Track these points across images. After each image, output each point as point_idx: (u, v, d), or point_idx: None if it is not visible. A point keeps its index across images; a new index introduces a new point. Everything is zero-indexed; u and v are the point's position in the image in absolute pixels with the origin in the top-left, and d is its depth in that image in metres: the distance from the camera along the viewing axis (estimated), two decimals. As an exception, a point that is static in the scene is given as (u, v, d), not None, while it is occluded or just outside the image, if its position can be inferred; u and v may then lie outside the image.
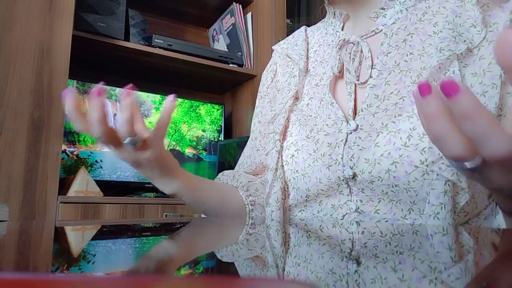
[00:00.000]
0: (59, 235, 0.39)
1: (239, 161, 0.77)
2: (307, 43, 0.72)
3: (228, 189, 0.68)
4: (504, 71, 0.28)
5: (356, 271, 0.16)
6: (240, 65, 1.85)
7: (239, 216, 0.66)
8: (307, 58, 0.70)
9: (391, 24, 0.59)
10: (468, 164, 0.30)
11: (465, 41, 0.50)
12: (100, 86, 0.47)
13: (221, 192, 0.67)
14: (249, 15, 1.93)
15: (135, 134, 0.49)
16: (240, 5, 1.89)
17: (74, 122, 0.48)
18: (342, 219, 0.56)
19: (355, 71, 0.60)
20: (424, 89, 0.29)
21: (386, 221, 0.52)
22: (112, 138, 0.49)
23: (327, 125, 0.60)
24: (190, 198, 0.61)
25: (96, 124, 0.47)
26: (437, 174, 0.46)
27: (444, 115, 0.29)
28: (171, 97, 0.50)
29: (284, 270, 0.17)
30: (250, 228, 0.51)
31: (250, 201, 0.67)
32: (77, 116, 0.48)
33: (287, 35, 0.78)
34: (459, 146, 0.30)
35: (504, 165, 0.30)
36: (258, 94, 0.77)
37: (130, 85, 0.48)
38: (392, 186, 0.50)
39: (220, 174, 0.74)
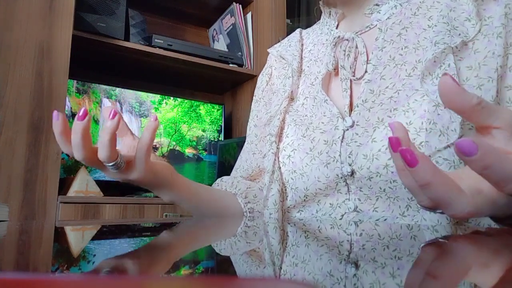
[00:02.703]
0: (59, 235, 0.39)
1: (236, 165, 0.77)
2: (302, 44, 0.72)
3: (226, 196, 0.68)
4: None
5: (354, 274, 0.16)
6: (240, 65, 1.85)
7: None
8: (301, 58, 0.70)
9: (386, 19, 0.60)
10: (437, 212, 0.33)
11: (460, 34, 0.51)
12: (84, 108, 0.47)
13: (219, 199, 0.67)
14: (249, 15, 1.93)
15: (116, 157, 0.48)
16: (240, 5, 1.89)
17: (60, 145, 0.48)
18: (341, 219, 0.56)
19: (350, 67, 0.60)
20: (393, 144, 0.31)
21: (385, 219, 0.52)
22: (95, 161, 0.49)
23: (322, 122, 0.60)
24: (188, 205, 0.61)
25: (77, 148, 0.47)
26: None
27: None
28: (153, 117, 0.49)
29: (281, 269, 0.18)
30: (248, 220, 0.51)
31: (248, 208, 0.67)
32: (63, 139, 0.48)
33: (287, 35, 0.78)
34: (425, 201, 0.32)
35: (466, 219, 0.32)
36: (253, 97, 0.77)
37: (113, 107, 0.48)
38: (390, 182, 0.50)
39: (219, 179, 0.74)
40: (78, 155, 0.48)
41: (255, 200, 0.68)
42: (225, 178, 0.73)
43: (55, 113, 0.47)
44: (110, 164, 0.48)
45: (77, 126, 0.46)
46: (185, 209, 0.62)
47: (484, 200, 0.30)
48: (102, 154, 0.47)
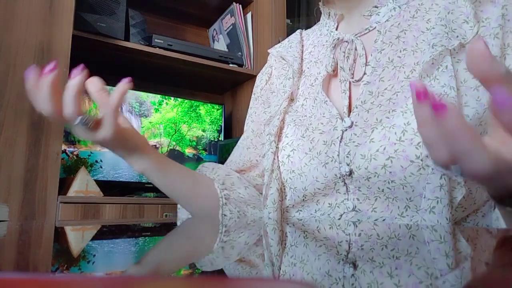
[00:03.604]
0: (59, 235, 0.39)
1: (228, 159, 0.76)
2: (302, 45, 0.72)
3: (202, 179, 0.67)
4: (478, 80, 0.30)
5: (352, 275, 0.16)
6: (240, 65, 1.85)
7: (209, 208, 0.66)
8: (302, 59, 0.70)
9: (385, 21, 0.60)
10: (450, 171, 0.32)
11: (457, 36, 0.51)
12: (54, 63, 0.48)
13: (193, 179, 0.66)
14: (249, 15, 1.93)
15: (81, 113, 0.49)
16: (240, 5, 1.89)
17: (32, 99, 0.49)
18: (339, 218, 0.56)
19: (349, 69, 0.60)
20: (420, 94, 0.29)
21: (384, 219, 0.52)
22: (62, 117, 0.49)
23: (322, 123, 0.60)
24: (160, 179, 0.61)
25: (44, 101, 0.48)
26: (432, 168, 0.47)
27: (434, 122, 0.30)
28: (125, 80, 0.50)
29: (280, 269, 0.18)
30: (224, 236, 0.49)
31: (224, 195, 0.66)
32: (35, 94, 0.48)
33: (287, 35, 0.78)
34: (444, 155, 0.31)
35: (481, 182, 0.31)
36: (252, 95, 0.78)
37: (81, 66, 0.49)
38: (389, 182, 0.50)
39: (200, 165, 0.73)
40: (45, 108, 0.48)
41: (232, 188, 0.67)
42: (206, 164, 0.73)
43: (27, 69, 0.48)
44: (77, 120, 0.49)
45: (45, 79, 0.47)
46: (156, 184, 0.62)
47: (504, 165, 0.30)
48: (66, 110, 0.48)
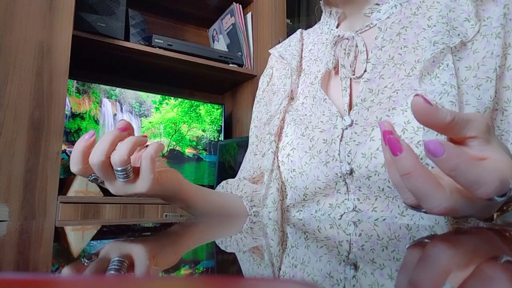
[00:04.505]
0: (59, 235, 0.39)
1: (241, 166, 0.77)
2: (302, 44, 0.72)
3: (233, 199, 0.68)
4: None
5: (354, 276, 0.16)
6: (240, 65, 1.85)
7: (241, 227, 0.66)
8: (301, 57, 0.70)
9: (386, 18, 0.60)
10: (422, 211, 0.33)
11: (459, 34, 0.51)
12: (92, 133, 0.48)
13: (226, 203, 0.67)
14: (249, 15, 1.93)
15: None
16: (240, 5, 1.89)
17: (77, 159, 0.48)
18: (340, 218, 0.56)
19: (350, 66, 0.60)
20: (385, 134, 0.31)
21: (384, 219, 0.52)
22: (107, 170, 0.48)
23: (322, 121, 0.60)
24: (196, 211, 0.62)
25: (72, 160, 0.48)
26: (432, 167, 0.47)
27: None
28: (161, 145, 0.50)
29: (280, 270, 0.18)
30: (254, 216, 0.50)
31: (253, 212, 0.66)
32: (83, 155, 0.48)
33: (287, 35, 0.78)
34: (409, 198, 0.32)
35: (446, 215, 0.32)
36: (255, 99, 0.78)
37: (124, 123, 0.49)
38: (389, 181, 0.50)
39: (224, 182, 0.73)
40: (72, 167, 0.49)
41: (260, 204, 0.68)
42: (230, 180, 0.73)
43: (91, 132, 0.48)
44: (120, 169, 0.47)
45: (80, 142, 0.48)
46: (193, 214, 0.62)
47: (463, 199, 0.31)
48: (117, 157, 0.47)
